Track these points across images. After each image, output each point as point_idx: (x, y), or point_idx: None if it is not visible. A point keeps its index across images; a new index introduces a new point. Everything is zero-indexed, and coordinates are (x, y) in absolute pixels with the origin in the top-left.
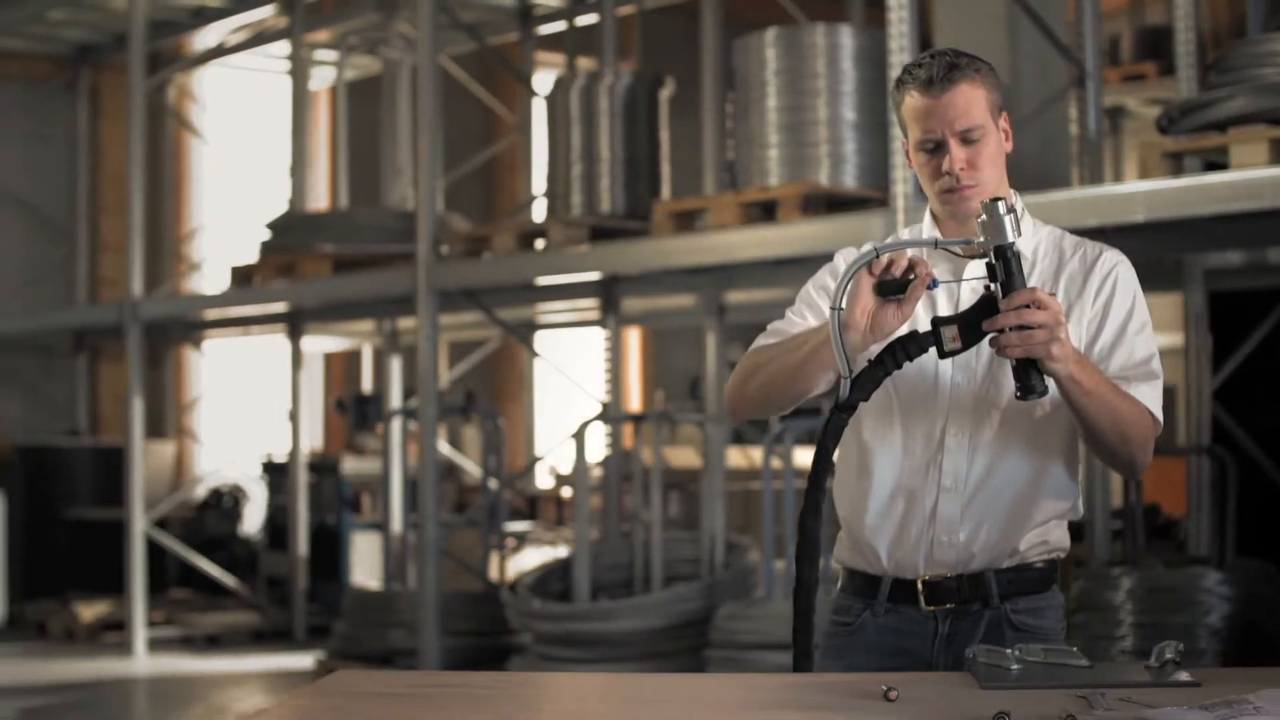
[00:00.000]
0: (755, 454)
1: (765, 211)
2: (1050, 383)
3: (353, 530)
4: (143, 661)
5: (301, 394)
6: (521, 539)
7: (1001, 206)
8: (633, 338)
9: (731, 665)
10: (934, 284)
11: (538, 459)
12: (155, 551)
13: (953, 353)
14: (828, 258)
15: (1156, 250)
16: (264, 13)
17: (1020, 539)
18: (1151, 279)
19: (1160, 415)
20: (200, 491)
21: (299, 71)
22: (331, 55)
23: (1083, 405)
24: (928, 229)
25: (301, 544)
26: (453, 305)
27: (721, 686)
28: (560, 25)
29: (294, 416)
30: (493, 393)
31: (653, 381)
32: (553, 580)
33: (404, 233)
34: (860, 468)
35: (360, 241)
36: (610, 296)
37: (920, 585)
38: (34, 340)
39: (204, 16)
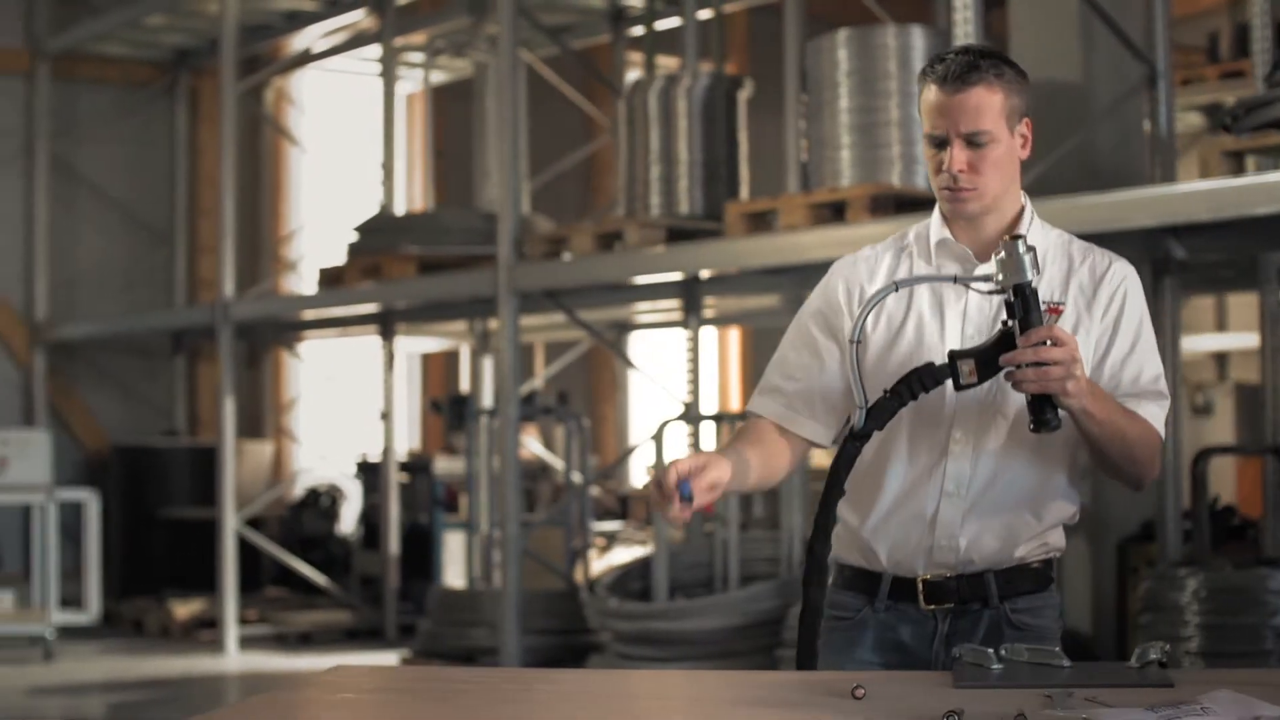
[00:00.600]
0: None
1: (835, 212)
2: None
3: (445, 530)
4: (234, 659)
5: (394, 394)
6: (611, 538)
7: (1020, 245)
8: (733, 337)
9: None
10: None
11: (623, 458)
12: (252, 550)
13: (969, 386)
14: None
15: (1231, 249)
16: (357, 16)
17: (1020, 546)
18: (1227, 279)
19: (1163, 431)
20: (297, 491)
21: (389, 75)
22: (423, 58)
23: (1094, 434)
24: (936, 227)
25: (393, 543)
26: (535, 306)
27: (687, 682)
28: (656, 25)
29: (386, 417)
30: (589, 393)
31: (752, 381)
32: (632, 579)
33: (490, 234)
34: (863, 470)
35: (446, 243)
36: (691, 297)
37: (920, 584)
38: (134, 342)
39: (298, 20)
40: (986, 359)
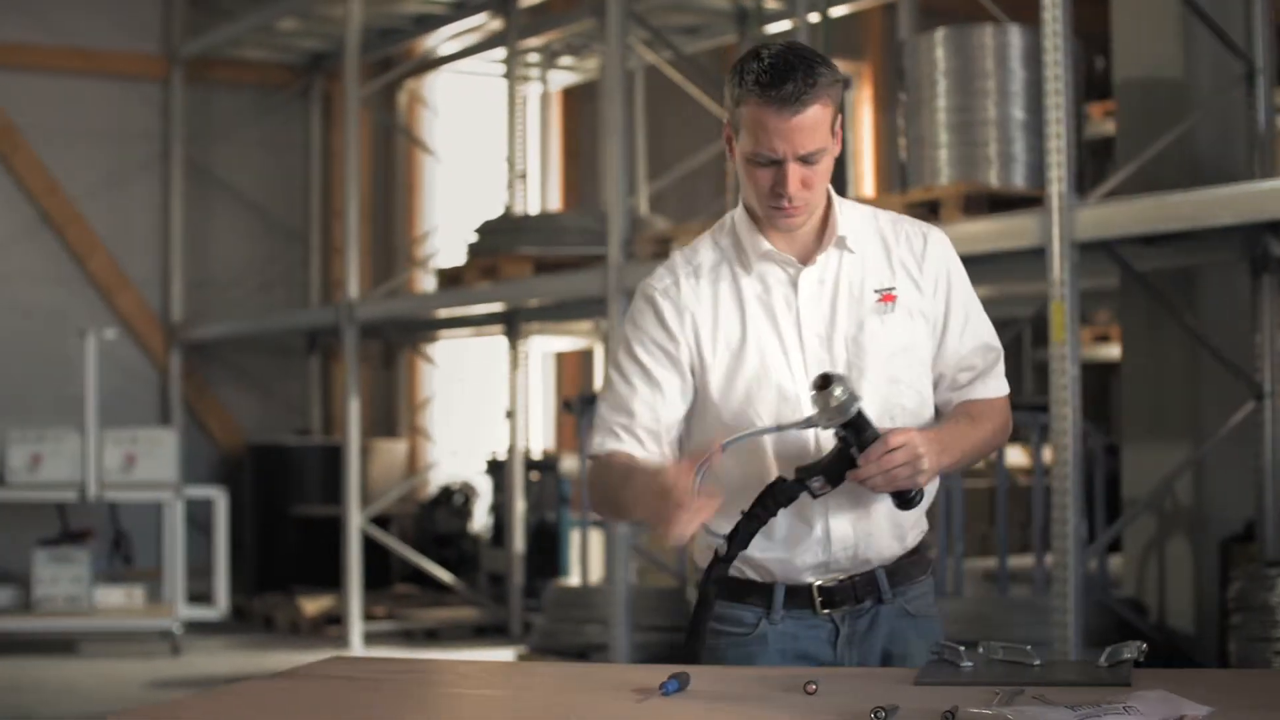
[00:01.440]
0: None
1: (930, 211)
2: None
3: (573, 527)
4: (358, 654)
5: (519, 394)
6: None
7: (837, 389)
8: None
9: None
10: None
11: None
12: (381, 548)
13: (822, 494)
14: (990, 257)
15: None
16: (483, 19)
17: (908, 534)
18: None
19: (1006, 385)
20: (432, 489)
21: (513, 76)
22: (544, 59)
23: (956, 470)
24: (752, 235)
25: (519, 541)
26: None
27: (638, 673)
28: (780, 26)
29: (511, 415)
30: None
31: None
32: None
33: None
34: (744, 498)
35: (563, 244)
36: None
37: (815, 590)
38: (270, 342)
39: (427, 24)
40: (832, 473)
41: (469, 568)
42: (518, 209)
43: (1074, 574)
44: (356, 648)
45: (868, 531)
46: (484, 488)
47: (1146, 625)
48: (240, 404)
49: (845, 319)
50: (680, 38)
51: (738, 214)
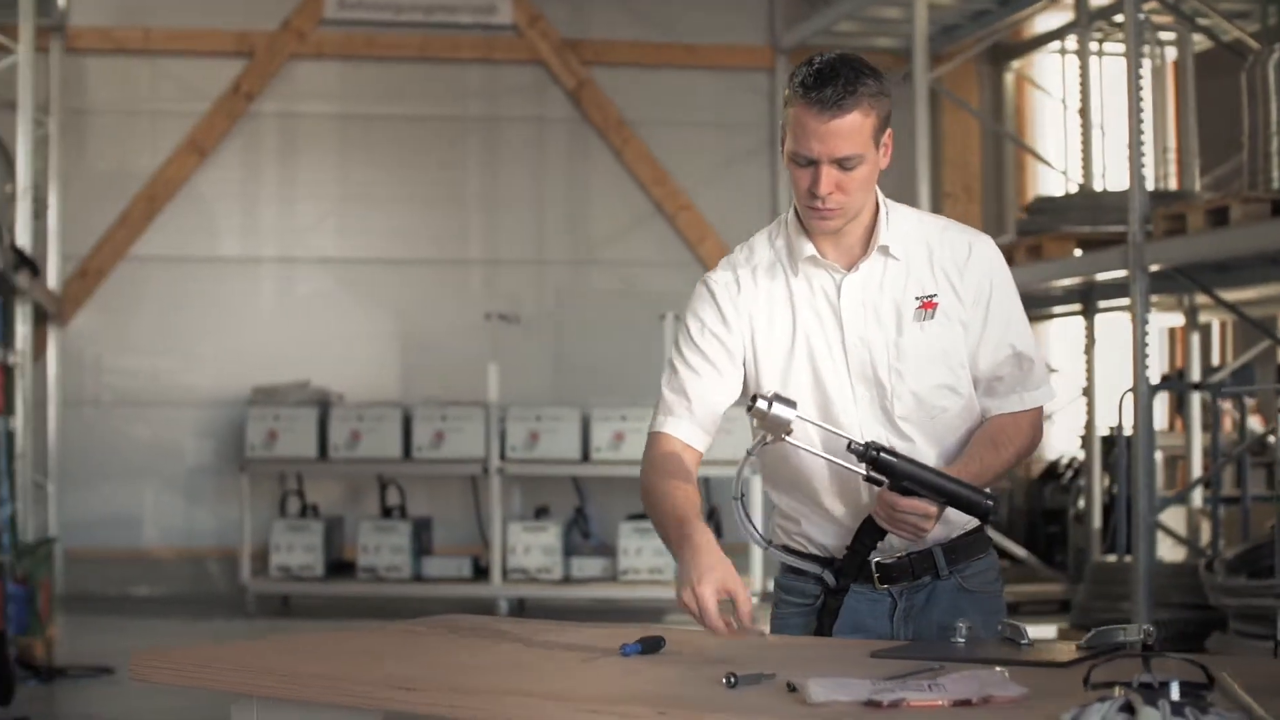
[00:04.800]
0: None
1: None
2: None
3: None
4: None
5: (1095, 371)
6: None
7: (760, 404)
8: None
9: None
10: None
11: None
12: None
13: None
14: None
15: None
16: None
17: (955, 526)
18: None
19: (1047, 393)
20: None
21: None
22: (1168, 35)
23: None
24: (800, 240)
25: (1095, 517)
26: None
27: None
28: None
29: (1088, 393)
30: None
31: None
32: (1264, 555)
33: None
34: (791, 474)
35: (1104, 222)
36: None
37: (874, 566)
38: None
39: (1012, 4)
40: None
41: (1057, 543)
42: (1089, 186)
43: None
44: None
45: None
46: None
47: None
48: None
49: (887, 325)
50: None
51: (790, 216)
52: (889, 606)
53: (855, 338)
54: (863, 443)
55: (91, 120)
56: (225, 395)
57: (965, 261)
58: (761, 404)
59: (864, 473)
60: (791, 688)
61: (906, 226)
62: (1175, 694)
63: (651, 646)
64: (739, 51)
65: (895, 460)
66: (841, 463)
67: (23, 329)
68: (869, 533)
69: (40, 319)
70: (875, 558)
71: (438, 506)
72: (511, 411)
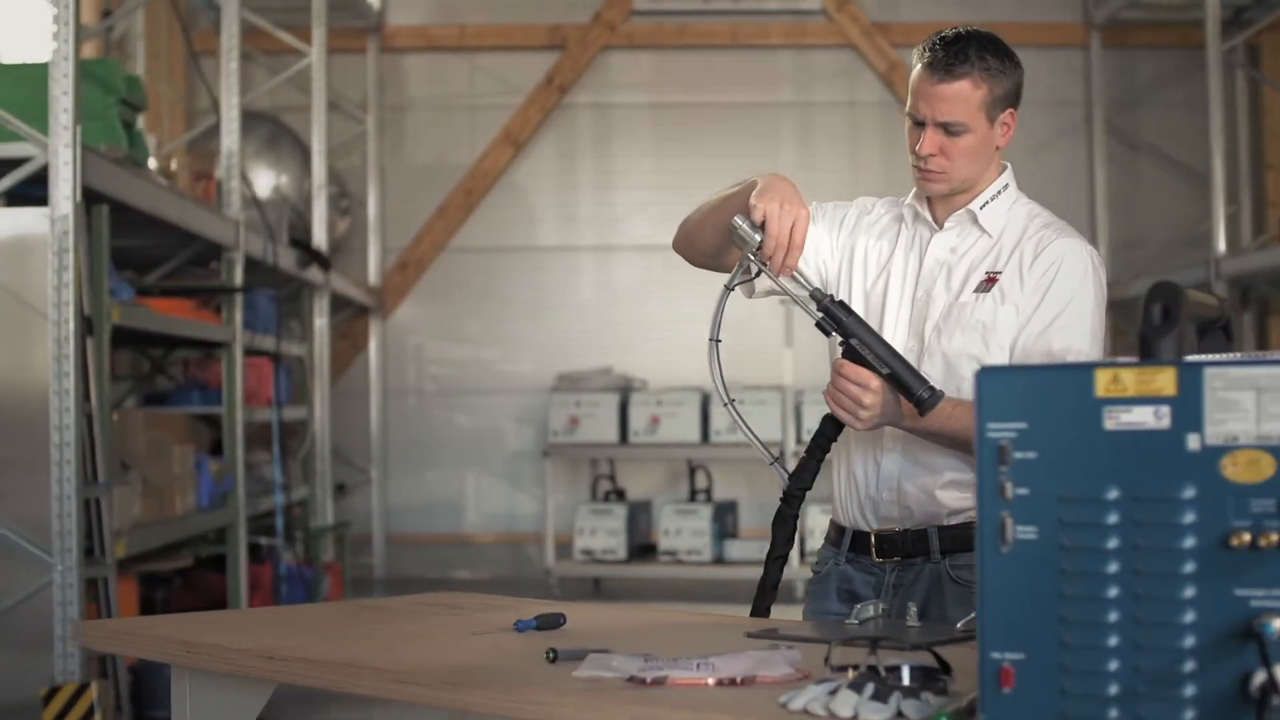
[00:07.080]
0: None
1: None
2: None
3: None
4: None
5: None
6: None
7: (737, 220)
8: None
9: None
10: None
11: None
12: None
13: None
14: None
15: None
16: None
17: (961, 499)
18: None
19: None
20: None
21: None
22: None
23: (951, 446)
24: (916, 199)
25: None
26: None
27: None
28: None
29: None
30: None
31: None
32: None
33: None
34: (843, 451)
35: None
36: None
37: (873, 538)
38: None
39: None
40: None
41: None
42: None
43: None
44: None
45: (902, 479)
46: None
47: None
48: None
49: (953, 289)
50: None
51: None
52: (880, 579)
53: (923, 291)
54: (826, 293)
55: (409, 116)
56: (542, 383)
57: (1043, 251)
58: (736, 218)
59: (817, 317)
60: (551, 657)
61: (1015, 211)
62: (906, 678)
63: (549, 623)
64: (1052, 29)
65: (846, 316)
66: (801, 305)
67: (319, 322)
68: (827, 425)
69: (361, 312)
70: (875, 527)
71: (745, 489)
72: (807, 395)
